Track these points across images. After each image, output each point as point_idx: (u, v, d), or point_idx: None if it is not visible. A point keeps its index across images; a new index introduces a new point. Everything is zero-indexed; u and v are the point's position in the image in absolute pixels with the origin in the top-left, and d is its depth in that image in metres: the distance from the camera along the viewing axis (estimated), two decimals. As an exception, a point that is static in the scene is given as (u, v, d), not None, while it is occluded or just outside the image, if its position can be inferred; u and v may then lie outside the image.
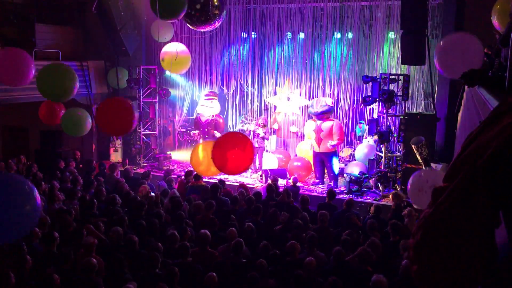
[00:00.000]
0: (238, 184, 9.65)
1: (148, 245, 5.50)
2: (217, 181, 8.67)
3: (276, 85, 12.62)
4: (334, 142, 10.38)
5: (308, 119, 11.59)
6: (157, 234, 6.04)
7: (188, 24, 9.21)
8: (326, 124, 10.43)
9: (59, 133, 11.30)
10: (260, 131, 11.09)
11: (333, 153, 10.52)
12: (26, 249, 5.06)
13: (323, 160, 10.56)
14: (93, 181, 8.33)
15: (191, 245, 5.55)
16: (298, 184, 9.41)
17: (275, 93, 12.57)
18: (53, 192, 7.29)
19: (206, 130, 11.56)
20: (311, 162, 10.96)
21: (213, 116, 11.71)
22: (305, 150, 11.30)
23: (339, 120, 11.55)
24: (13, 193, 3.80)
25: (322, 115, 10.55)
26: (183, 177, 9.42)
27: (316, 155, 10.63)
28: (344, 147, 12.29)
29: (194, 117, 12.69)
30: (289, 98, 12.09)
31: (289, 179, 9.54)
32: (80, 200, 7.20)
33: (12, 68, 7.18)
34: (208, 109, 11.58)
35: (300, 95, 12.23)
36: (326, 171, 10.78)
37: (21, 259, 4.77)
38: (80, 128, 8.01)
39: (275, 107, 12.52)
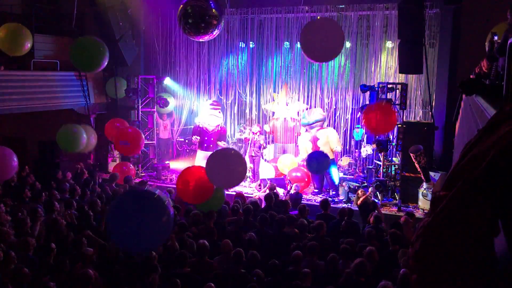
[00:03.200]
0: (235, 193, 9.59)
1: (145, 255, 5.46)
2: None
3: (274, 92, 12.67)
4: (339, 149, 10.54)
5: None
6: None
7: (185, 34, 9.25)
8: (322, 132, 10.54)
9: (57, 143, 11.27)
10: (261, 139, 11.14)
11: (332, 162, 10.52)
12: (16, 260, 5.04)
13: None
14: (86, 191, 8.31)
15: (190, 255, 5.51)
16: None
17: (272, 100, 12.62)
18: (52, 202, 7.25)
19: (212, 139, 11.52)
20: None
21: (219, 126, 11.70)
22: (289, 163, 11.26)
23: (336, 129, 11.58)
24: (151, 206, 4.01)
25: (316, 125, 10.65)
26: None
27: None
28: (342, 156, 12.29)
29: (192, 126, 12.66)
30: (287, 103, 12.13)
31: (290, 189, 9.53)
32: (78, 210, 7.16)
33: None
34: (217, 118, 11.57)
35: (298, 100, 12.27)
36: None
37: (18, 271, 4.73)
38: (75, 145, 8.22)
39: (273, 113, 12.55)
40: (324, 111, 11.40)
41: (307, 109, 11.59)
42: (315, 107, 11.78)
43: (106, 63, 8.11)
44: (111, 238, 4.57)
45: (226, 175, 6.11)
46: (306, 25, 7.09)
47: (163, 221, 4.01)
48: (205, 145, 11.57)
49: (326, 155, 9.13)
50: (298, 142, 11.42)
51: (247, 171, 11.40)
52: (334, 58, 8.60)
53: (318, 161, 8.91)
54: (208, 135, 11.55)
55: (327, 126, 11.36)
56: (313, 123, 10.64)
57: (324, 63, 12.10)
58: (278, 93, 12.50)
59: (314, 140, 10.48)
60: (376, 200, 9.89)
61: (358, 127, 11.97)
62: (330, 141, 10.41)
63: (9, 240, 5.63)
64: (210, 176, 6.02)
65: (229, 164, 6.09)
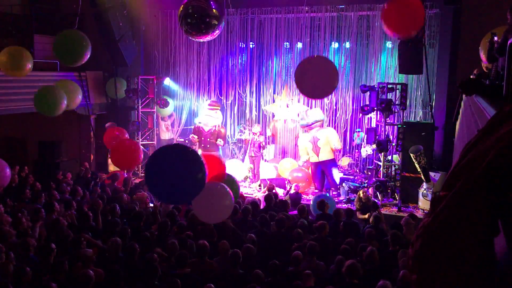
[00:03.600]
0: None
1: (145, 256, 5.46)
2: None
3: (274, 93, 12.67)
4: (339, 147, 10.57)
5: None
6: (153, 245, 5.99)
7: (186, 34, 9.25)
8: (322, 132, 10.49)
9: (57, 143, 11.27)
10: (261, 139, 11.16)
11: (333, 162, 10.52)
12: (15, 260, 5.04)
13: (323, 169, 10.54)
14: (85, 192, 8.32)
15: (190, 255, 5.51)
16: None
17: (273, 101, 12.62)
18: (52, 202, 7.24)
19: (208, 139, 11.51)
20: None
21: (216, 126, 11.68)
22: (290, 166, 11.24)
23: (337, 129, 11.58)
24: (189, 162, 4.26)
25: (316, 125, 10.65)
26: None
27: (315, 165, 10.60)
28: (342, 156, 12.30)
29: (192, 126, 12.65)
30: (287, 105, 12.13)
31: (290, 189, 9.54)
32: (77, 211, 7.15)
33: None
34: (212, 119, 11.56)
35: (299, 102, 12.27)
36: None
37: (19, 271, 4.72)
38: (54, 110, 8.23)
39: (273, 114, 12.55)
40: (324, 112, 11.40)
41: (307, 110, 11.59)
42: (314, 107, 11.79)
43: (88, 56, 8.15)
44: (148, 186, 4.83)
45: (212, 210, 6.08)
46: (301, 62, 6.98)
47: (198, 177, 4.22)
48: (202, 145, 11.59)
49: (331, 199, 9.22)
50: (297, 143, 11.42)
51: (248, 171, 11.46)
52: (329, 95, 8.56)
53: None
54: (205, 135, 11.57)
55: (326, 126, 11.36)
56: (312, 124, 10.63)
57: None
58: (278, 94, 12.50)
59: (315, 140, 10.47)
60: (376, 200, 9.91)
61: (359, 131, 11.98)
62: (330, 141, 10.41)
63: (9, 241, 5.63)
64: (196, 210, 5.99)
65: (215, 199, 6.09)
